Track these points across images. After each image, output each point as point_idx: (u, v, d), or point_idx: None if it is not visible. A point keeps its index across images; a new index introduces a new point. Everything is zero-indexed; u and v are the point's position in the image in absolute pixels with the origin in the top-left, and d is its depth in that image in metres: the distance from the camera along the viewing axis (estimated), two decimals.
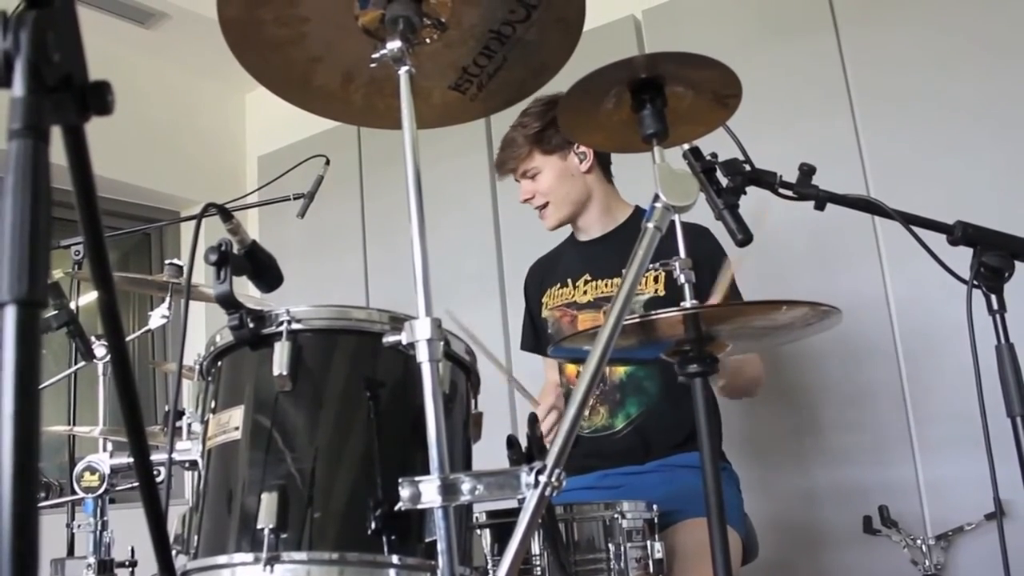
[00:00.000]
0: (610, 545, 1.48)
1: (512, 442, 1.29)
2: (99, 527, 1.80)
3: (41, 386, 0.49)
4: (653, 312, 1.26)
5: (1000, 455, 1.26)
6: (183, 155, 3.90)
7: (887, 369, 2.43)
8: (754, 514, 1.97)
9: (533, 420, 1.33)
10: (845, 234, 2.49)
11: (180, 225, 3.70)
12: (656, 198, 1.11)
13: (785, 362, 2.55)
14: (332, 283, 3.58)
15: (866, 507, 2.34)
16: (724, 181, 1.33)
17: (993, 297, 1.28)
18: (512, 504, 1.14)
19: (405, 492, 0.95)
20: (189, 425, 1.56)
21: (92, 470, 1.73)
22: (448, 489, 0.94)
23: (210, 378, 1.23)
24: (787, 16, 2.72)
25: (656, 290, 1.93)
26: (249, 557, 1.03)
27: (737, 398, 2.02)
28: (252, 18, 1.12)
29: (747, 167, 1.35)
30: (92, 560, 1.79)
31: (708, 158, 1.34)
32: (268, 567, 1.00)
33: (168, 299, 2.05)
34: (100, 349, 2.03)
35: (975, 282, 1.29)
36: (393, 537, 1.05)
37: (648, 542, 1.53)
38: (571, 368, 2.07)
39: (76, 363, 2.15)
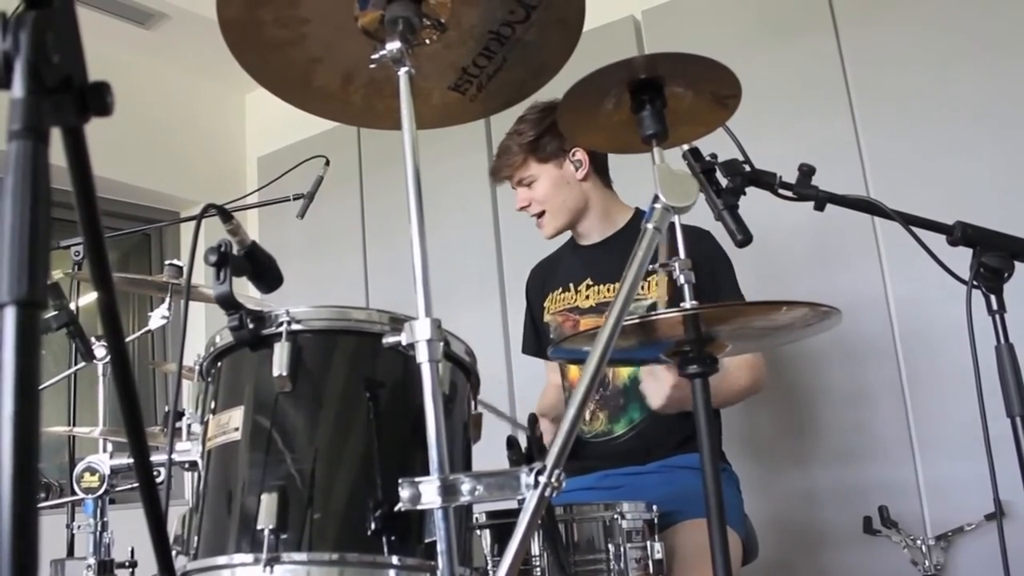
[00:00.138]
0: (610, 546, 1.48)
1: (512, 443, 1.29)
2: (99, 528, 1.80)
3: (41, 387, 0.49)
4: (652, 313, 1.26)
5: (1000, 455, 1.26)
6: (183, 156, 3.90)
7: (887, 369, 2.43)
8: (754, 514, 1.97)
9: (533, 421, 1.33)
10: (845, 235, 2.49)
11: (180, 226, 3.69)
12: (656, 199, 1.11)
13: (785, 362, 2.55)
14: (332, 284, 3.57)
15: (866, 507, 2.34)
16: (724, 182, 1.33)
17: (993, 297, 1.29)
18: (512, 505, 1.14)
19: (405, 493, 0.95)
20: (189, 426, 1.56)
21: (92, 471, 1.73)
22: (448, 490, 0.94)
23: (210, 379, 1.23)
24: (787, 17, 2.72)
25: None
26: (249, 558, 1.03)
27: (724, 407, 2.01)
28: (252, 19, 1.12)
29: (747, 168, 1.35)
30: (92, 561, 1.79)
31: (708, 159, 1.34)
32: (268, 568, 1.00)
33: (168, 300, 2.05)
34: (100, 350, 2.03)
35: (975, 282, 1.29)
36: (393, 538, 1.05)
37: (648, 543, 1.53)
38: (573, 371, 2.07)
39: (76, 364, 2.15)
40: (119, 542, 1.85)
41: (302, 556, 1.03)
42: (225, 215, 1.27)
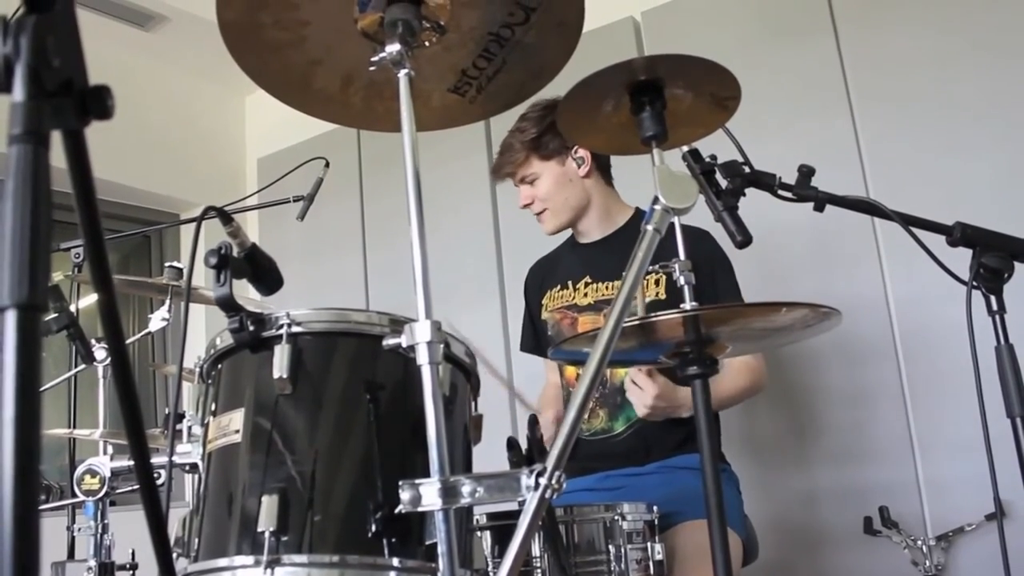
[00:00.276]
0: (610, 547, 1.48)
1: (512, 444, 1.29)
2: (100, 530, 1.80)
3: (42, 389, 0.49)
4: (652, 314, 1.26)
5: (1000, 456, 1.26)
6: (183, 158, 3.91)
7: (887, 370, 2.43)
8: (754, 515, 1.98)
9: (533, 422, 1.34)
10: (845, 235, 2.49)
11: (180, 228, 3.69)
12: (655, 200, 1.11)
13: (785, 363, 2.55)
14: (332, 286, 3.58)
15: (866, 508, 2.34)
16: (723, 183, 1.33)
17: (992, 298, 1.29)
18: (512, 506, 1.14)
19: (405, 495, 0.95)
20: (189, 428, 1.56)
21: (93, 473, 1.73)
22: (448, 492, 0.94)
23: (210, 381, 1.23)
24: (786, 17, 2.73)
25: (657, 293, 1.93)
26: (249, 560, 1.03)
27: (723, 409, 2.02)
28: (252, 21, 1.12)
29: (746, 169, 1.35)
30: (93, 563, 1.79)
31: (707, 160, 1.34)
32: (269, 570, 1.00)
33: (168, 302, 2.05)
34: (100, 352, 2.03)
35: (974, 283, 1.29)
36: (393, 540, 1.05)
37: (648, 544, 1.53)
38: (571, 370, 2.07)
39: (76, 366, 2.15)
40: (120, 544, 1.85)
41: (303, 558, 1.03)
42: (225, 217, 1.27)
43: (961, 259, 1.31)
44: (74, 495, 1.78)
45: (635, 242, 1.09)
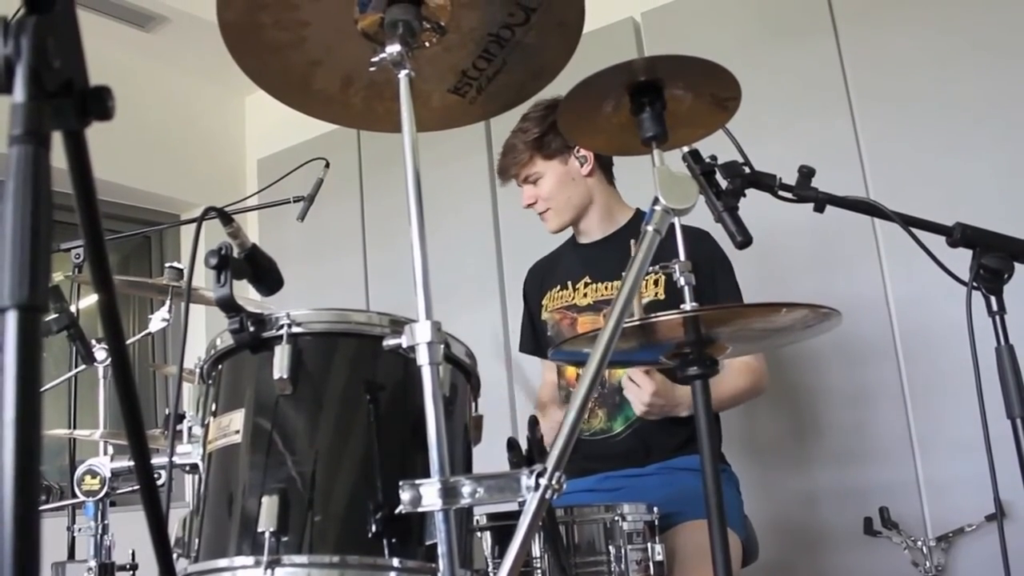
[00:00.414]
0: (611, 547, 1.48)
1: (512, 445, 1.29)
2: (100, 530, 1.80)
3: (42, 390, 0.49)
4: (652, 315, 1.26)
5: (1000, 456, 1.26)
6: (183, 158, 3.91)
7: (887, 370, 2.43)
8: (754, 516, 1.97)
9: (533, 423, 1.34)
10: (845, 236, 2.49)
11: (180, 228, 3.70)
12: (656, 201, 1.11)
13: (785, 364, 2.55)
14: (332, 286, 3.58)
15: (866, 508, 2.34)
16: (724, 183, 1.33)
17: (993, 299, 1.29)
18: (513, 507, 1.14)
19: (406, 495, 0.95)
20: (190, 428, 1.56)
21: (93, 474, 1.73)
22: (448, 492, 0.94)
23: (210, 381, 1.23)
24: (786, 18, 2.73)
25: (656, 293, 1.93)
26: (250, 560, 1.03)
27: (723, 411, 2.02)
28: (252, 22, 1.12)
29: (746, 169, 1.35)
30: (93, 564, 1.79)
31: (707, 160, 1.35)
32: (269, 570, 1.00)
33: (168, 302, 2.05)
34: (100, 352, 2.03)
35: (974, 284, 1.29)
36: (394, 540, 1.05)
37: (648, 544, 1.53)
38: (571, 370, 2.07)
39: (76, 366, 2.15)
40: (120, 545, 1.85)
41: (303, 558, 1.03)
42: (225, 218, 1.27)
43: (961, 260, 1.31)
44: (74, 495, 1.78)
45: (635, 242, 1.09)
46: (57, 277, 2.57)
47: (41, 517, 0.47)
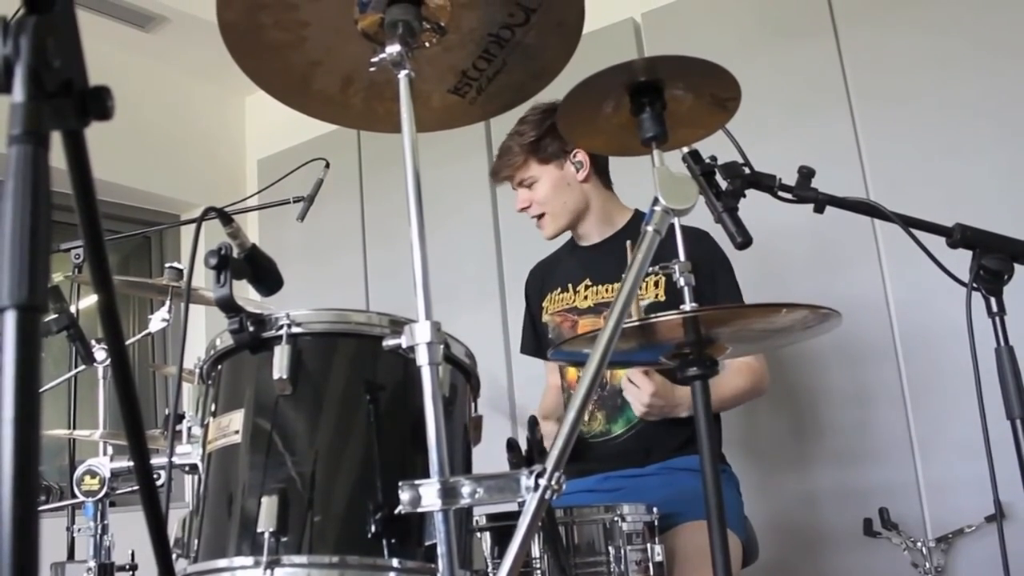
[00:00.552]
0: (610, 548, 1.48)
1: (512, 445, 1.29)
2: (99, 531, 1.80)
3: (41, 390, 0.49)
4: (652, 315, 1.26)
5: (1000, 457, 1.26)
6: (183, 158, 3.91)
7: (887, 371, 2.43)
8: (754, 516, 1.97)
9: (533, 423, 1.34)
10: (845, 237, 2.49)
11: (180, 228, 3.70)
12: (655, 201, 1.11)
13: (785, 364, 2.55)
14: (332, 286, 3.57)
15: (866, 509, 2.34)
16: (723, 184, 1.33)
17: (992, 300, 1.29)
18: (512, 507, 1.14)
19: (405, 495, 0.95)
20: (189, 429, 1.56)
21: (92, 474, 1.73)
22: (448, 492, 0.94)
23: (210, 382, 1.23)
24: (786, 18, 2.72)
25: (656, 295, 1.93)
26: (249, 561, 1.03)
27: (723, 411, 2.02)
28: (252, 22, 1.12)
29: (746, 170, 1.35)
30: (92, 564, 1.79)
31: (707, 161, 1.34)
32: (268, 571, 1.00)
33: (168, 302, 2.05)
34: (100, 352, 2.03)
35: (974, 285, 1.29)
36: (393, 540, 1.05)
37: (648, 545, 1.53)
38: (572, 372, 2.07)
39: (76, 367, 2.15)
40: (119, 545, 1.85)
41: (302, 559, 1.03)
42: (225, 218, 1.27)
43: (961, 260, 1.31)
44: (74, 496, 1.78)
45: (634, 244, 1.09)
46: (57, 277, 2.57)
47: (40, 517, 0.47)
